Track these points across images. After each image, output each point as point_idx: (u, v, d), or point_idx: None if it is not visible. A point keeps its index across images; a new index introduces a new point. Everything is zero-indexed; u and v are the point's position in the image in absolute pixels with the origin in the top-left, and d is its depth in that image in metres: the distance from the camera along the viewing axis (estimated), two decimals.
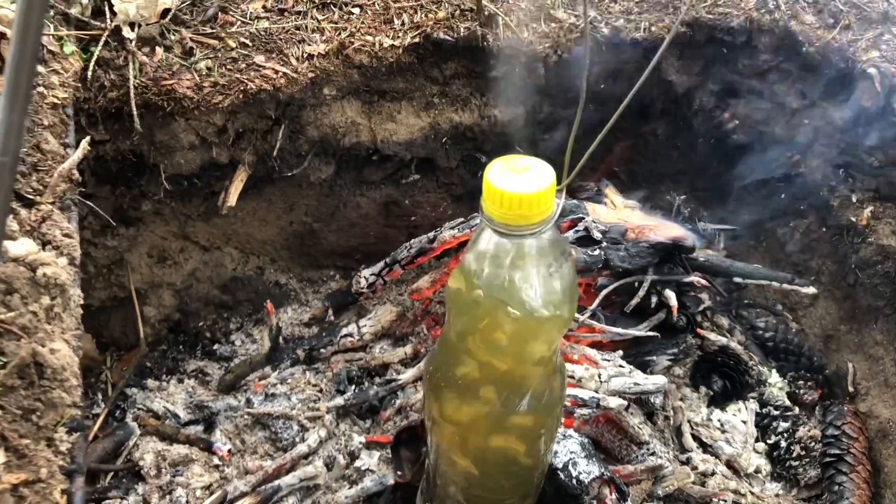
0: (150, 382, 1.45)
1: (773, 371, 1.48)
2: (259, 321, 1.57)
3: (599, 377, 1.27)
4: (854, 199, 1.46)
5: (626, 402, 1.25)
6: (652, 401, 1.33)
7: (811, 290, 1.42)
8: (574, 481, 1.17)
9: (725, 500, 1.28)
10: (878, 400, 1.40)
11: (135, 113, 1.20)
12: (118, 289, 1.43)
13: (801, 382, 1.47)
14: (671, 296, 1.34)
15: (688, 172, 1.64)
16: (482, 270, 0.84)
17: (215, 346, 1.54)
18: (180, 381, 1.48)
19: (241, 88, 1.24)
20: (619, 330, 1.33)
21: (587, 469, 1.18)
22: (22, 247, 0.89)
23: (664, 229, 1.35)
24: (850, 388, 1.44)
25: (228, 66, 1.25)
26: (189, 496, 1.29)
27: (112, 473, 1.32)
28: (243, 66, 1.26)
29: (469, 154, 1.50)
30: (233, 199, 1.33)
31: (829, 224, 1.50)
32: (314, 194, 1.47)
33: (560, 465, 1.18)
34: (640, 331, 1.33)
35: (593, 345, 1.34)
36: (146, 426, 1.36)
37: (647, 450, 1.29)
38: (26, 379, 0.83)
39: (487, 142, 1.48)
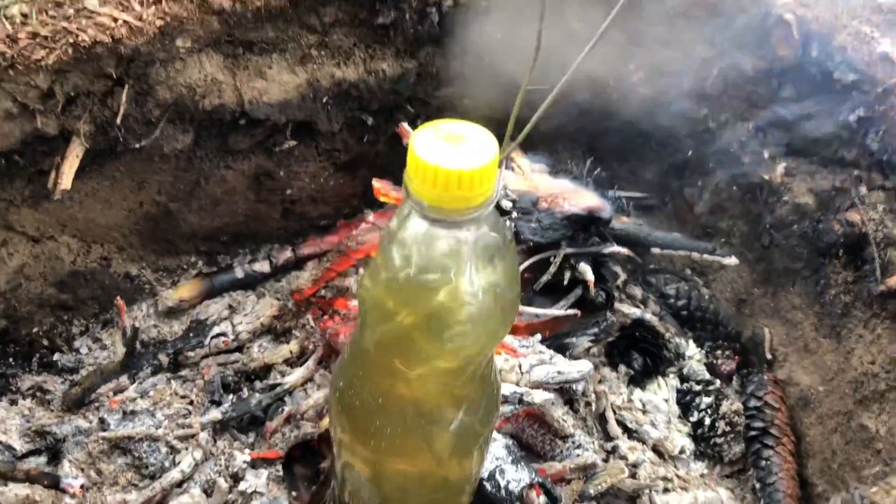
0: None
1: (690, 342, 1.38)
2: (108, 322, 1.31)
3: (520, 368, 1.12)
4: (766, 156, 1.37)
5: (551, 396, 1.11)
6: (574, 387, 1.20)
7: (733, 260, 1.31)
8: (503, 492, 1.02)
9: (658, 490, 1.17)
10: (797, 366, 1.33)
11: None
12: None
13: (718, 352, 1.39)
14: (587, 269, 1.20)
15: (587, 130, 1.50)
16: (409, 266, 0.67)
17: (55, 357, 1.27)
18: (13, 402, 1.22)
19: (70, 41, 0.97)
20: (539, 311, 1.18)
21: (516, 476, 1.03)
22: None
23: (578, 198, 1.20)
24: (768, 355, 1.37)
25: (51, 12, 0.99)
26: None
27: None
28: (71, 11, 0.99)
29: (353, 115, 1.29)
30: (67, 182, 1.07)
31: (740, 183, 1.40)
32: (169, 169, 1.22)
33: (486, 475, 1.03)
34: (560, 310, 1.19)
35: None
36: None
37: (573, 443, 1.17)
38: None
39: (375, 100, 1.27)
